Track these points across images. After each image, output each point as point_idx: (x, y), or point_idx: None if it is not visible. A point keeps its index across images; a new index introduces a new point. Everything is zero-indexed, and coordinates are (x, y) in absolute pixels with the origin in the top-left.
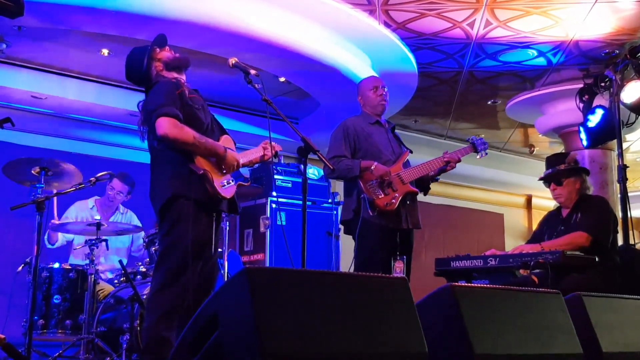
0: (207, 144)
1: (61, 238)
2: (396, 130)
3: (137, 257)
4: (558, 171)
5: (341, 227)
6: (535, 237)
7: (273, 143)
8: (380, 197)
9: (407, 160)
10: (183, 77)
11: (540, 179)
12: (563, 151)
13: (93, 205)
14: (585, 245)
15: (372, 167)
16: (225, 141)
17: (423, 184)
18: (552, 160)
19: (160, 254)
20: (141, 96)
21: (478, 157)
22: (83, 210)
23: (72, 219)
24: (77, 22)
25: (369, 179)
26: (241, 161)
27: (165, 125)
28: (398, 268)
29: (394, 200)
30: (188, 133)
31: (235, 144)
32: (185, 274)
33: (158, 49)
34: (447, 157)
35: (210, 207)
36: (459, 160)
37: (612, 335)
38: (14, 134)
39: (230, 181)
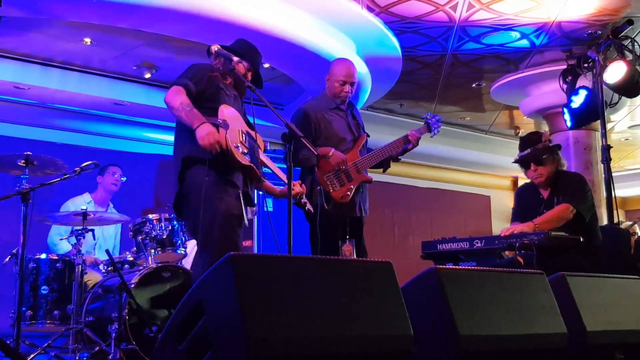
0: (189, 113)
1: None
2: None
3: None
4: (538, 150)
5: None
6: (518, 216)
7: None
8: (336, 189)
9: (365, 142)
10: (226, 81)
11: (518, 160)
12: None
13: (90, 200)
14: (569, 217)
15: (330, 154)
16: None
17: (383, 162)
18: (528, 140)
19: (200, 235)
20: (123, 85)
21: (431, 136)
22: (80, 207)
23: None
24: (59, 11)
25: (326, 169)
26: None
27: (167, 93)
28: (347, 251)
29: (348, 193)
30: (177, 98)
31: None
32: (227, 243)
33: (245, 62)
34: (409, 135)
35: (226, 170)
36: (419, 138)
37: (596, 314)
38: None
39: (246, 151)
